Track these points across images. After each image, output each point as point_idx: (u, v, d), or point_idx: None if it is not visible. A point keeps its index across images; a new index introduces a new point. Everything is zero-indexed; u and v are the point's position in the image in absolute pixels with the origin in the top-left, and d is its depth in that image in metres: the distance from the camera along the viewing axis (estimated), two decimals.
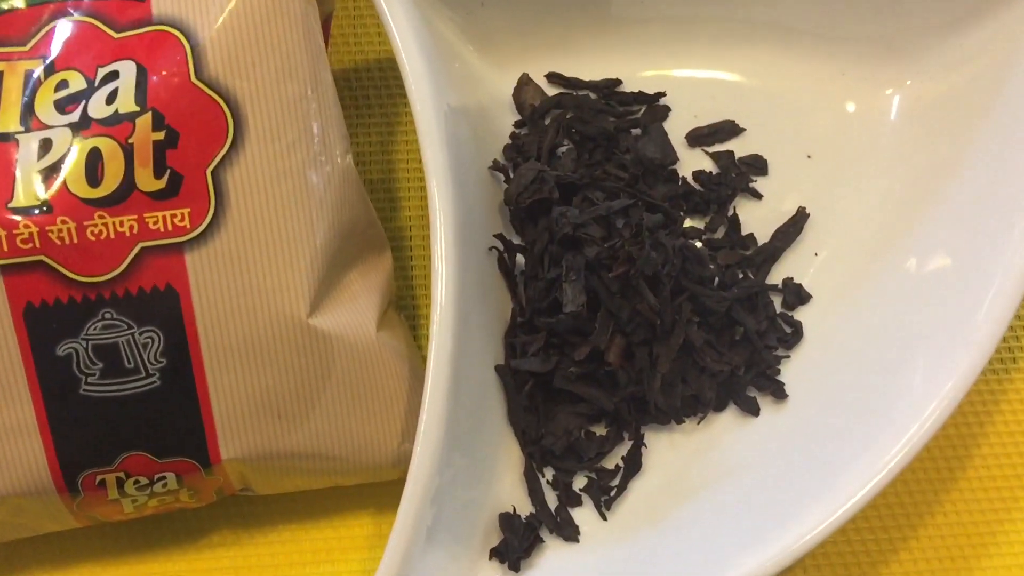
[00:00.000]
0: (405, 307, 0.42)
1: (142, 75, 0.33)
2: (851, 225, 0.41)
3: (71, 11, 0.34)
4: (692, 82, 0.43)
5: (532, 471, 0.38)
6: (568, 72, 0.43)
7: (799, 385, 0.39)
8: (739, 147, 0.43)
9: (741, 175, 0.42)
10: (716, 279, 0.40)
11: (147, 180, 0.33)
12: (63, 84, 0.33)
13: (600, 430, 0.39)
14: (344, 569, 0.38)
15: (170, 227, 0.33)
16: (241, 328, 0.33)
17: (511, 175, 0.40)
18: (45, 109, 0.33)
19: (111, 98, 0.33)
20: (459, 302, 0.35)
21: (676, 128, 0.43)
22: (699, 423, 0.39)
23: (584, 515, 0.38)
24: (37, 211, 0.32)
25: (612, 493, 0.38)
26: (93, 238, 0.32)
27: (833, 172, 0.42)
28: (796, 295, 0.40)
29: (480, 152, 0.40)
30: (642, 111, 0.43)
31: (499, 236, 0.39)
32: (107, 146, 0.33)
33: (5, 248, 0.32)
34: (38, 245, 0.32)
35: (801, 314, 0.40)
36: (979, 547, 0.39)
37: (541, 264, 0.38)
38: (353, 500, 0.39)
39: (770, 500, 0.36)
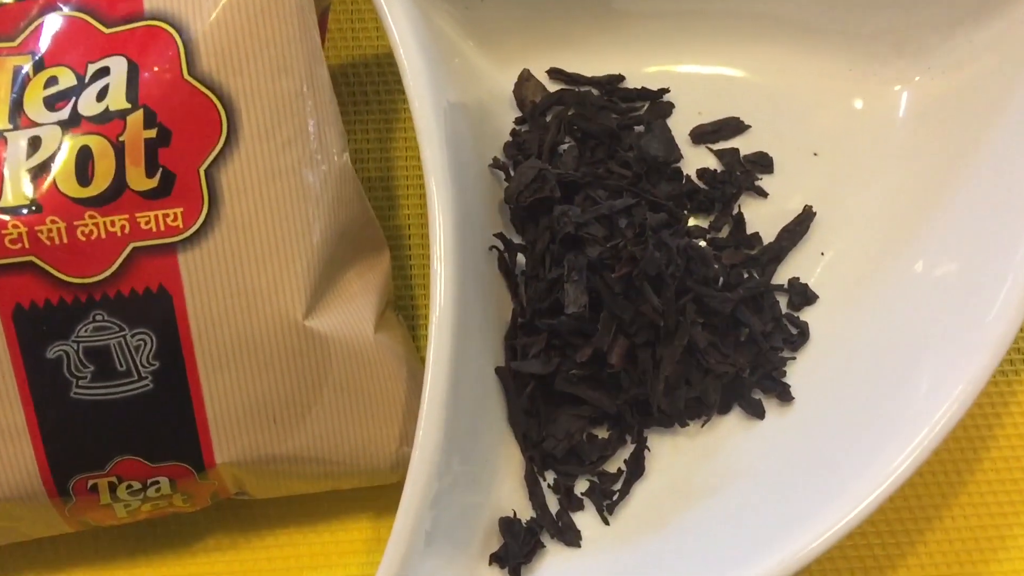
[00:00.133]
0: (404, 308, 0.42)
1: (133, 71, 0.33)
2: (858, 224, 0.41)
3: (61, 6, 0.34)
4: (696, 78, 0.43)
5: (533, 475, 0.38)
6: (570, 68, 0.43)
7: (805, 387, 0.39)
8: (744, 144, 0.43)
9: (746, 173, 0.42)
10: (720, 279, 0.40)
11: (139, 179, 0.32)
12: (52, 81, 0.33)
13: (602, 433, 0.39)
14: (342, 574, 0.38)
15: (162, 227, 0.32)
16: (235, 330, 0.33)
17: (512, 173, 0.40)
18: (34, 106, 0.33)
19: (102, 95, 0.33)
20: (458, 303, 0.34)
21: (680, 125, 0.42)
22: (703, 426, 0.39)
23: (586, 520, 0.37)
24: (26, 211, 0.32)
25: (614, 497, 0.38)
26: (84, 238, 0.32)
27: (840, 170, 0.42)
28: (802, 296, 0.40)
29: (480, 150, 0.40)
30: (645, 108, 0.43)
31: (499, 235, 0.39)
32: (98, 144, 0.32)
33: None
34: (27, 246, 0.32)
35: (807, 315, 0.40)
36: (988, 552, 0.39)
37: (542, 264, 0.38)
38: (351, 504, 0.39)
39: (776, 505, 0.36)
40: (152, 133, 0.33)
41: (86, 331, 0.32)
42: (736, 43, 0.43)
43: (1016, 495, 0.40)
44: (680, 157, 0.42)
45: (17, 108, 0.33)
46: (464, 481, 0.35)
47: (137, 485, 0.34)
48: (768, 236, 0.41)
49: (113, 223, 0.32)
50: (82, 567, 0.38)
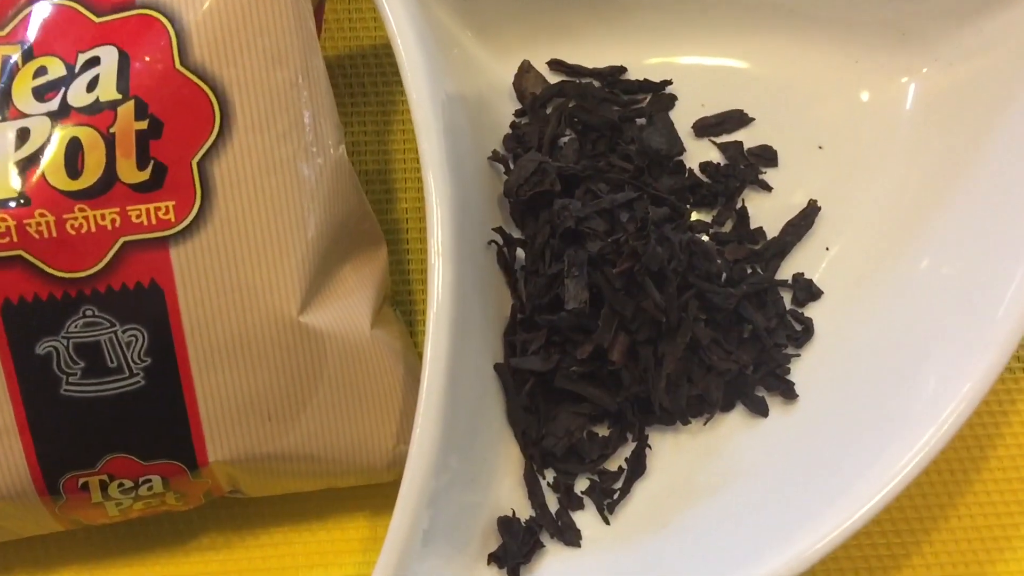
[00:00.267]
0: (401, 303, 0.42)
1: (124, 61, 0.33)
2: (864, 219, 0.41)
3: None
4: (699, 70, 0.43)
5: (532, 473, 0.38)
6: (571, 59, 0.43)
7: (810, 385, 0.38)
8: (748, 137, 0.43)
9: (750, 167, 0.42)
10: (724, 275, 0.40)
11: (130, 171, 0.32)
12: (42, 71, 0.33)
13: (603, 431, 0.39)
14: (338, 574, 0.38)
15: (154, 221, 0.32)
16: (229, 326, 0.33)
17: (511, 166, 0.40)
18: (23, 97, 0.32)
19: (92, 85, 0.32)
20: (456, 298, 0.34)
21: (682, 118, 0.42)
22: (705, 424, 0.39)
23: (586, 519, 0.37)
24: (14, 204, 0.32)
25: (615, 496, 0.38)
26: (73, 232, 0.32)
27: (846, 163, 0.42)
28: (807, 291, 0.40)
29: (479, 142, 0.40)
30: (647, 100, 0.43)
31: (498, 230, 0.39)
32: (87, 136, 0.32)
33: None
34: (15, 239, 0.32)
35: (812, 311, 0.40)
36: (995, 552, 0.39)
37: (542, 259, 0.38)
38: (347, 502, 0.38)
39: (779, 505, 0.35)
40: (143, 124, 0.32)
41: (76, 327, 0.32)
42: (740, 34, 0.43)
43: (1023, 494, 0.40)
44: (683, 150, 0.42)
45: (5, 98, 0.32)
46: (462, 479, 0.35)
47: (129, 483, 0.33)
48: (772, 231, 0.41)
49: (103, 216, 0.32)
50: (73, 566, 0.37)
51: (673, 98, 0.43)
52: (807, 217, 0.41)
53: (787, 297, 0.40)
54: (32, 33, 0.33)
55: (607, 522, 0.37)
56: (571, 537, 0.37)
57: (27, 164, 0.32)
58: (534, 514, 0.37)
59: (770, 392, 0.39)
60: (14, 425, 0.32)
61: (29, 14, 0.33)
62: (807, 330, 0.39)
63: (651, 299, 0.36)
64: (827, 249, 0.41)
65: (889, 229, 0.40)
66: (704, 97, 0.43)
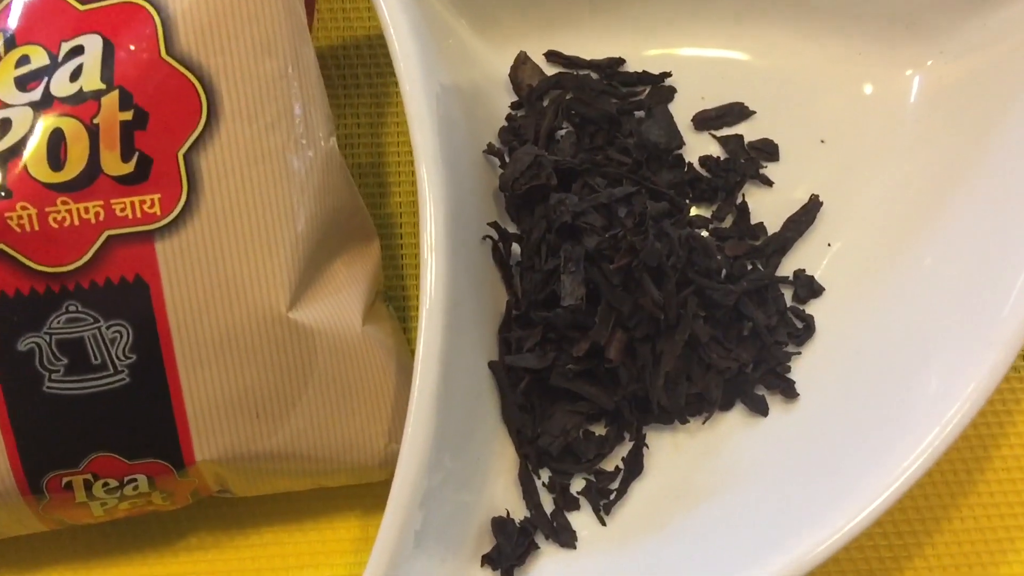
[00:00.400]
0: (394, 299, 0.41)
1: (109, 50, 0.32)
2: (867, 214, 0.41)
3: None
4: (699, 62, 0.43)
5: (527, 473, 0.37)
6: (568, 50, 0.43)
7: (811, 384, 0.38)
8: (749, 131, 0.42)
9: (751, 161, 0.42)
10: (723, 271, 0.39)
11: (114, 163, 0.32)
12: (24, 60, 0.32)
13: (599, 430, 0.38)
14: (328, 574, 0.38)
15: (139, 214, 0.32)
16: (216, 322, 0.33)
17: (507, 159, 0.40)
18: (4, 86, 0.32)
19: (75, 75, 0.32)
20: (450, 294, 0.34)
21: (682, 111, 0.42)
22: (704, 423, 0.38)
23: (582, 520, 0.37)
24: None
25: (612, 497, 0.37)
26: (56, 225, 0.32)
27: (848, 158, 0.42)
28: (808, 288, 0.40)
29: (474, 135, 0.40)
30: (646, 92, 0.43)
31: (494, 224, 0.39)
32: (70, 127, 0.32)
33: None
34: None
35: (813, 308, 0.40)
36: (998, 554, 0.39)
37: (538, 254, 0.38)
38: (338, 502, 0.38)
39: (780, 506, 0.35)
40: (128, 115, 0.32)
41: (59, 322, 0.32)
42: (741, 25, 0.43)
43: None
44: (682, 144, 0.42)
45: None
46: (455, 479, 0.35)
47: (114, 483, 0.33)
48: (773, 226, 0.41)
49: (87, 210, 0.32)
50: (59, 567, 0.37)
51: (672, 90, 0.43)
52: (809, 212, 0.41)
53: (788, 294, 0.40)
54: (14, 21, 0.33)
55: (603, 523, 0.37)
56: (566, 538, 0.36)
57: (8, 156, 0.31)
58: (529, 515, 0.37)
59: (770, 391, 0.39)
60: None
61: (11, 1, 0.33)
62: (808, 328, 0.39)
63: (649, 296, 0.36)
64: (829, 245, 0.41)
65: (892, 225, 0.40)
66: (704, 90, 0.43)
